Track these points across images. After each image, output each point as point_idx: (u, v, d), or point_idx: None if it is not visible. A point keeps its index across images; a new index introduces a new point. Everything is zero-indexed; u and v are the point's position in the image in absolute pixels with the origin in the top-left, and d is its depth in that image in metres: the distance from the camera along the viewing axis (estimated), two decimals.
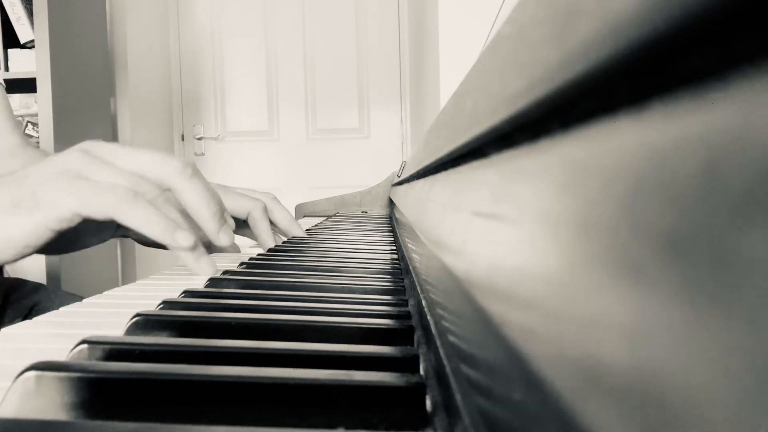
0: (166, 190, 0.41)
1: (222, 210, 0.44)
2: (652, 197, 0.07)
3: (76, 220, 0.37)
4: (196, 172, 0.42)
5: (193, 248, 0.39)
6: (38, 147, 1.71)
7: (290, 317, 0.26)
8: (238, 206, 0.58)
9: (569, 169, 0.10)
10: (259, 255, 0.51)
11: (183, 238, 0.38)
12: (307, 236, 0.66)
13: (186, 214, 0.43)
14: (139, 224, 0.37)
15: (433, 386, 0.18)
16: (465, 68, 0.29)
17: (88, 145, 0.40)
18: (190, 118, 2.66)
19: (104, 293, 0.37)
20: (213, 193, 0.43)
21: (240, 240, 0.63)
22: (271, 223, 0.61)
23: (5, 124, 0.69)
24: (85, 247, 0.45)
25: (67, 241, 0.40)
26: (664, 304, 0.06)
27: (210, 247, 0.52)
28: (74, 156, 0.38)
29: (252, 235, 0.62)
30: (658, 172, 0.07)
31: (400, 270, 0.43)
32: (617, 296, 0.07)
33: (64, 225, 0.37)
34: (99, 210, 0.36)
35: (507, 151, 0.16)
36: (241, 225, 0.62)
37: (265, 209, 0.59)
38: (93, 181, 0.37)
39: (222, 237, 0.43)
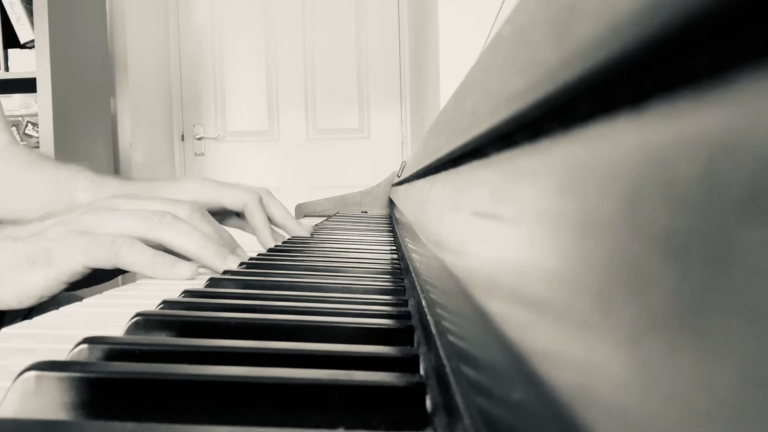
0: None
1: (234, 243, 0.48)
2: (652, 197, 0.07)
3: (87, 272, 0.40)
4: (205, 214, 0.46)
5: (193, 277, 0.42)
6: (37, 147, 1.72)
7: (290, 317, 0.26)
8: (233, 198, 0.58)
9: (569, 169, 0.10)
10: (259, 255, 0.51)
11: (184, 270, 0.41)
12: (306, 234, 0.66)
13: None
14: (140, 269, 0.40)
15: (433, 386, 0.18)
16: (465, 68, 0.29)
17: (98, 202, 0.44)
18: (190, 118, 2.66)
19: (104, 293, 0.37)
20: (221, 231, 0.47)
21: (238, 240, 0.63)
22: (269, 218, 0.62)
23: None
24: (95, 285, 0.49)
25: (77, 285, 0.43)
26: (665, 304, 0.06)
27: None
28: (85, 215, 0.41)
29: (248, 228, 0.62)
30: (658, 172, 0.07)
31: (400, 270, 0.43)
32: (617, 296, 0.07)
33: (77, 277, 0.40)
34: (102, 260, 0.39)
35: (507, 151, 0.16)
36: (237, 218, 0.62)
37: (261, 201, 0.59)
38: (96, 234, 0.40)
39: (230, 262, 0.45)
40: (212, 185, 0.58)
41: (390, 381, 0.18)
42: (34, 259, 0.39)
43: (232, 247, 0.48)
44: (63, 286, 0.40)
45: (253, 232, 0.61)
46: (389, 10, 2.58)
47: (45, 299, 0.41)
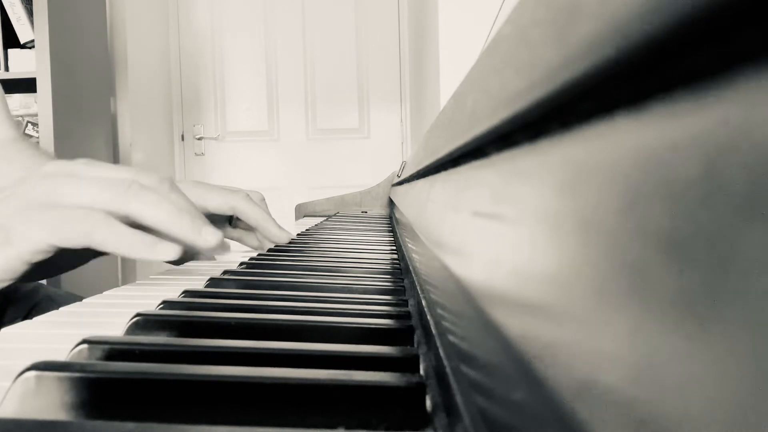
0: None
1: (204, 220, 0.41)
2: (652, 198, 0.07)
3: (52, 251, 0.35)
4: (173, 185, 0.40)
5: (176, 257, 0.37)
6: (38, 145, 1.71)
7: (290, 317, 0.26)
8: (218, 201, 0.54)
9: (569, 169, 0.10)
10: (259, 255, 0.51)
11: (165, 251, 0.37)
12: (296, 239, 0.64)
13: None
14: (115, 248, 0.36)
15: (433, 386, 0.18)
16: (465, 68, 0.29)
17: (51, 168, 0.38)
18: (190, 118, 2.66)
19: (104, 293, 0.37)
20: (194, 206, 0.41)
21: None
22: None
23: None
24: (66, 272, 0.43)
25: (45, 269, 0.38)
26: (665, 305, 0.06)
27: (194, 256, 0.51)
28: (39, 183, 0.36)
29: (245, 237, 0.60)
30: (658, 172, 0.07)
31: (400, 270, 0.43)
32: (617, 297, 0.07)
33: (40, 257, 0.35)
34: (72, 238, 0.35)
35: (507, 151, 0.16)
36: (230, 228, 0.60)
37: (249, 198, 0.55)
38: (63, 207, 0.35)
39: (207, 237, 0.39)
40: (195, 188, 0.53)
41: (390, 381, 0.18)
42: None
43: (205, 221, 0.41)
44: (25, 267, 0.36)
45: (255, 239, 0.56)
46: (389, 10, 2.58)
47: (4, 283, 0.36)
